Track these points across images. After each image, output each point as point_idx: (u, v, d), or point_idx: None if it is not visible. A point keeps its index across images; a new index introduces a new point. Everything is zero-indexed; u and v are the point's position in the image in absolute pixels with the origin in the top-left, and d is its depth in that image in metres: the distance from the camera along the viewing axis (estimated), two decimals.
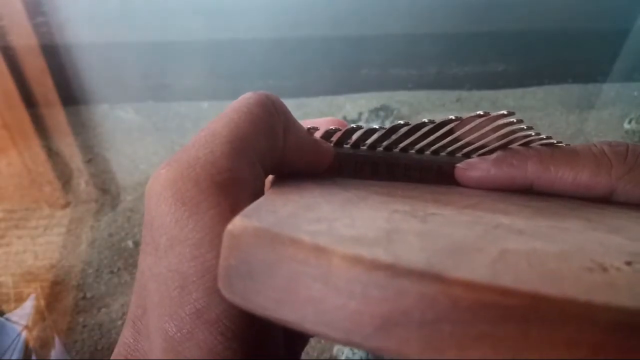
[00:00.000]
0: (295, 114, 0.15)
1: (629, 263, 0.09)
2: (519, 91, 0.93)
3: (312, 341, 0.54)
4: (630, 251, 0.10)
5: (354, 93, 0.90)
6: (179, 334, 0.11)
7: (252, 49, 0.90)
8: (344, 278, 0.08)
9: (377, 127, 0.17)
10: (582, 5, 0.93)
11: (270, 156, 0.14)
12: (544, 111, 0.89)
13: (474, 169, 0.18)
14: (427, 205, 0.13)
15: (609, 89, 0.93)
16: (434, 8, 0.90)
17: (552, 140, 0.18)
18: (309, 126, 0.16)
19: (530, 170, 0.18)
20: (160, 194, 0.12)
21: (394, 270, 0.08)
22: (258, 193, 0.13)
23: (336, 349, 0.51)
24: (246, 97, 0.14)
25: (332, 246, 0.08)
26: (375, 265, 0.08)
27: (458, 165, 0.19)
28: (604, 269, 0.09)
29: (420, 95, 0.92)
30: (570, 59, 0.96)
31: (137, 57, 0.90)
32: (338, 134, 0.17)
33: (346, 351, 0.49)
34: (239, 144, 0.13)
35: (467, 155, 0.19)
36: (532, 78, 0.92)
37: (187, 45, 0.90)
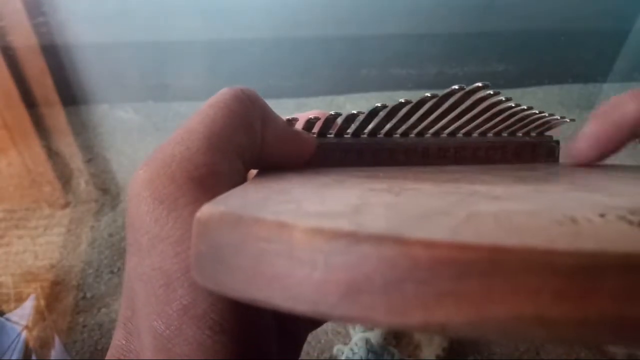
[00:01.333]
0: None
1: (602, 215, 0.09)
2: (518, 91, 0.93)
3: (312, 341, 0.54)
4: (607, 205, 0.10)
5: (354, 93, 0.90)
6: (167, 331, 0.11)
7: (252, 49, 0.90)
8: (306, 250, 0.08)
9: (355, 112, 0.17)
10: (582, 5, 0.93)
11: (250, 150, 0.14)
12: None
13: (580, 140, 0.18)
14: (406, 182, 0.13)
15: (609, 89, 0.93)
16: (434, 8, 0.90)
17: (534, 111, 0.18)
18: (288, 117, 0.16)
19: (631, 109, 0.17)
20: (138, 194, 0.12)
21: (354, 236, 0.08)
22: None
23: (336, 348, 0.51)
24: (222, 93, 0.15)
25: (294, 221, 0.08)
26: (336, 234, 0.08)
27: (569, 146, 0.19)
28: (574, 221, 0.09)
29: (420, 95, 0.91)
30: (570, 59, 0.96)
31: (137, 57, 0.90)
32: (319, 124, 0.17)
33: (346, 351, 0.49)
34: (215, 139, 0.13)
35: (453, 134, 0.19)
36: (532, 78, 0.92)
37: (187, 45, 0.90)
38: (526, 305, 0.07)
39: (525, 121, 0.19)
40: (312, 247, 0.08)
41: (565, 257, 0.07)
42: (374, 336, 0.49)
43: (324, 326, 0.55)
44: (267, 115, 0.15)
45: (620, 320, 0.07)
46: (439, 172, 0.17)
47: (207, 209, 0.10)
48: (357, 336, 0.49)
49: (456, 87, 0.16)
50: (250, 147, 0.14)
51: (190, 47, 0.90)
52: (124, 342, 0.13)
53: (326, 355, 0.52)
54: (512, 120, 0.19)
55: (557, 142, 0.21)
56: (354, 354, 0.48)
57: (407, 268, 0.07)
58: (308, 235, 0.08)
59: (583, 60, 0.95)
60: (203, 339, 0.11)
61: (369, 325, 0.08)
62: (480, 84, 0.17)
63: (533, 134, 0.20)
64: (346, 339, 0.53)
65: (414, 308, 0.07)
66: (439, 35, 0.92)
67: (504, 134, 0.20)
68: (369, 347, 0.47)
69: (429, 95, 0.17)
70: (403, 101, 0.17)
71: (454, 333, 0.07)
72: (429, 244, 0.07)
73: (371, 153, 0.18)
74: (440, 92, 0.17)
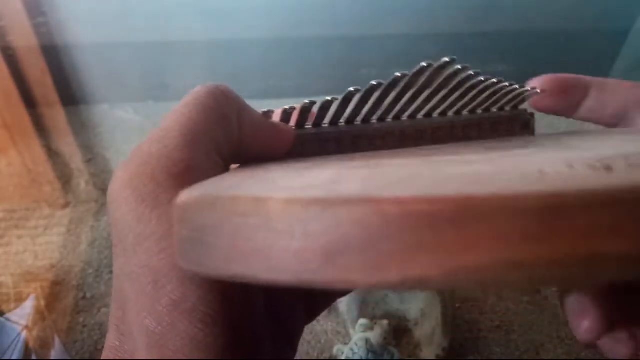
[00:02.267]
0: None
1: (570, 166, 0.09)
2: None
3: (312, 341, 0.54)
4: (577, 158, 0.10)
5: None
6: (159, 328, 0.11)
7: (252, 49, 0.90)
8: (283, 220, 0.08)
9: (330, 98, 0.17)
10: (581, 5, 0.93)
11: (227, 144, 0.14)
12: None
13: (546, 80, 0.20)
14: (383, 159, 0.13)
15: None
16: (434, 8, 0.90)
17: (504, 83, 0.19)
18: (263, 110, 0.16)
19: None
20: (119, 194, 0.12)
21: (327, 201, 0.08)
22: None
23: (336, 348, 0.51)
24: (196, 91, 0.15)
25: (269, 194, 0.08)
26: (310, 202, 0.08)
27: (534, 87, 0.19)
28: (542, 173, 0.09)
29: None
30: (570, 59, 0.96)
31: (137, 57, 0.90)
32: (295, 114, 0.17)
33: (346, 351, 0.49)
34: (192, 136, 0.13)
35: (429, 115, 0.19)
36: (532, 78, 0.92)
37: (187, 45, 0.90)
38: (498, 250, 0.07)
39: (498, 95, 0.19)
40: (289, 216, 0.08)
41: (532, 199, 0.07)
42: (374, 336, 0.49)
43: (324, 326, 0.55)
44: (243, 110, 0.15)
45: (588, 257, 0.07)
46: (416, 150, 0.17)
47: (185, 194, 0.10)
48: (357, 336, 0.49)
49: (425, 64, 0.17)
50: (227, 141, 0.14)
51: (190, 47, 0.90)
52: (117, 343, 0.13)
53: (326, 355, 0.52)
54: (485, 95, 0.19)
55: (532, 114, 0.21)
56: (354, 354, 0.48)
57: (380, 226, 0.07)
58: (283, 205, 0.08)
59: (583, 60, 0.95)
60: (195, 332, 0.11)
61: (350, 288, 0.08)
62: (447, 59, 0.17)
63: (507, 108, 0.21)
64: (346, 339, 0.53)
65: (391, 265, 0.07)
66: (439, 35, 0.92)
67: (479, 111, 0.20)
68: (369, 347, 0.47)
69: (399, 74, 0.17)
70: (375, 83, 0.17)
71: (432, 286, 0.07)
72: (398, 201, 0.07)
73: (350, 140, 0.18)
74: (410, 71, 0.17)
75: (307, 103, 0.17)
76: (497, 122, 0.20)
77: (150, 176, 0.12)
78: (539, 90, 0.20)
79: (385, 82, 0.17)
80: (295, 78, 0.92)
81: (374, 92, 0.17)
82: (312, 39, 0.91)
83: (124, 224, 0.12)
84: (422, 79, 0.17)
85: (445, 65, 0.17)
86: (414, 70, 0.17)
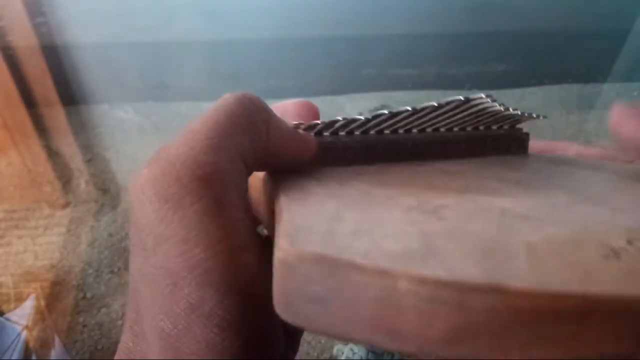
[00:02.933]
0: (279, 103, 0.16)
1: (630, 242, 0.10)
2: (518, 91, 0.93)
3: (312, 341, 0.54)
4: (624, 226, 0.11)
5: (354, 93, 0.90)
6: (175, 330, 0.11)
7: (252, 49, 0.90)
8: (410, 297, 0.09)
9: (356, 117, 0.17)
10: (582, 5, 0.93)
11: (252, 152, 0.15)
12: (543, 111, 0.88)
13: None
14: (428, 196, 0.14)
15: (609, 89, 0.93)
16: (434, 8, 0.90)
17: (517, 112, 0.19)
18: (295, 122, 0.17)
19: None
20: (142, 193, 0.12)
21: (456, 286, 0.08)
22: (240, 187, 0.14)
23: (336, 348, 0.51)
24: (225, 98, 0.15)
25: (391, 266, 0.09)
26: (439, 284, 0.09)
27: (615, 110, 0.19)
28: (616, 254, 0.10)
29: (421, 95, 0.92)
30: (570, 59, 0.96)
31: (137, 57, 0.90)
32: (319, 128, 0.18)
33: (346, 351, 0.49)
34: (218, 140, 0.13)
35: (437, 130, 0.20)
36: (532, 78, 0.92)
37: (187, 45, 0.90)
38: (614, 347, 0.08)
39: (501, 115, 0.20)
40: (415, 295, 0.09)
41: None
42: None
43: None
44: (270, 118, 0.15)
45: None
46: (439, 174, 0.17)
47: (291, 248, 0.10)
48: None
49: (462, 97, 0.17)
50: (252, 148, 0.15)
51: (191, 47, 0.90)
52: (131, 344, 0.13)
53: (326, 355, 0.52)
54: (492, 118, 0.20)
55: (527, 134, 0.22)
56: (354, 354, 0.48)
57: (510, 316, 0.08)
58: (411, 284, 0.09)
59: (583, 60, 0.95)
60: (211, 336, 0.11)
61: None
62: (482, 95, 0.17)
63: (505, 127, 0.22)
64: None
65: (514, 349, 0.08)
66: (439, 35, 0.92)
67: (481, 128, 0.21)
68: (369, 347, 0.47)
69: (434, 104, 0.17)
70: (409, 108, 0.17)
71: None
72: (527, 295, 0.08)
73: (365, 151, 0.19)
74: (443, 101, 0.17)
75: (334, 120, 0.17)
76: (498, 139, 0.22)
77: (176, 177, 0.12)
78: (541, 117, 0.21)
79: (412, 109, 0.17)
80: (296, 78, 0.92)
81: (399, 116, 0.18)
82: (313, 39, 0.91)
83: (145, 223, 0.12)
84: (450, 106, 0.18)
85: (479, 99, 0.17)
86: (446, 101, 0.17)
